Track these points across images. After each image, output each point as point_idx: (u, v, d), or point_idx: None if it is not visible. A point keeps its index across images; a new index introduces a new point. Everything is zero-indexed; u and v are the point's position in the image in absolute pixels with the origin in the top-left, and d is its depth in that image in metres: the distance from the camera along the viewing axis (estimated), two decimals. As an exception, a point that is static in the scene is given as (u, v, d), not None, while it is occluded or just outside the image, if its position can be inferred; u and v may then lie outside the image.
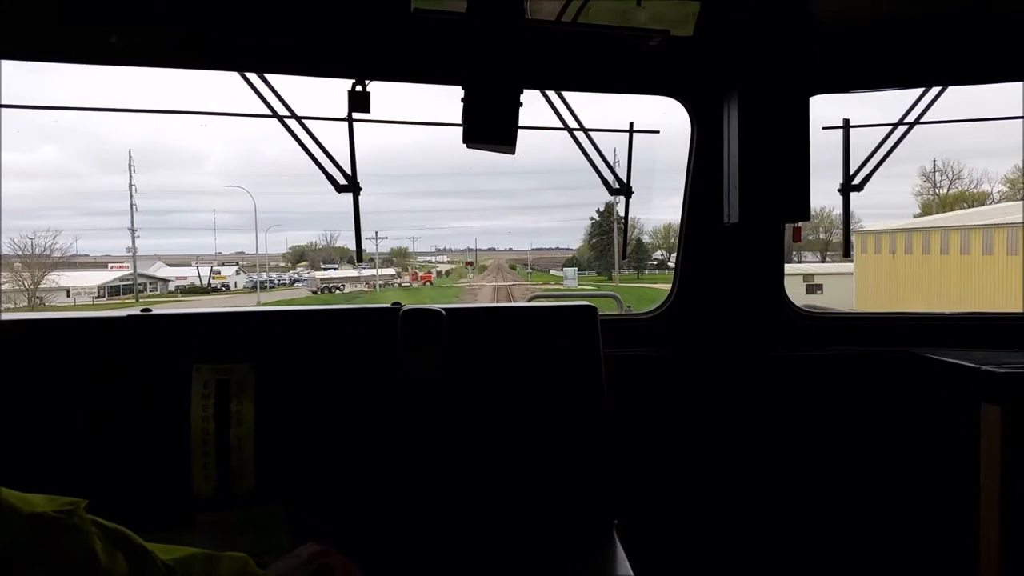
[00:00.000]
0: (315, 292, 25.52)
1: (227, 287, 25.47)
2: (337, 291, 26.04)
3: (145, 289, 24.71)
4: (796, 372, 3.12)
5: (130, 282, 24.10)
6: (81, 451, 2.20)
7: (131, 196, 23.41)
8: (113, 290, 23.50)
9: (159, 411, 2.22)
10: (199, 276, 25.47)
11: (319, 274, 28.69)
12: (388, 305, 2.49)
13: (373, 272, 27.45)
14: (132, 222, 23.35)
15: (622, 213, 3.27)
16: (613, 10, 2.52)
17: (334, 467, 2.33)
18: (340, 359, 2.37)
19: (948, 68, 2.92)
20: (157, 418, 2.22)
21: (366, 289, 26.46)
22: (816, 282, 25.36)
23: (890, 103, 3.11)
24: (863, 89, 3.01)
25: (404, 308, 2.45)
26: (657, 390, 3.07)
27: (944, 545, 2.86)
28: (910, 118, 2.96)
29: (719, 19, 2.63)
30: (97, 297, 22.69)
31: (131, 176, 23.32)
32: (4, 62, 2.59)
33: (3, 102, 2.71)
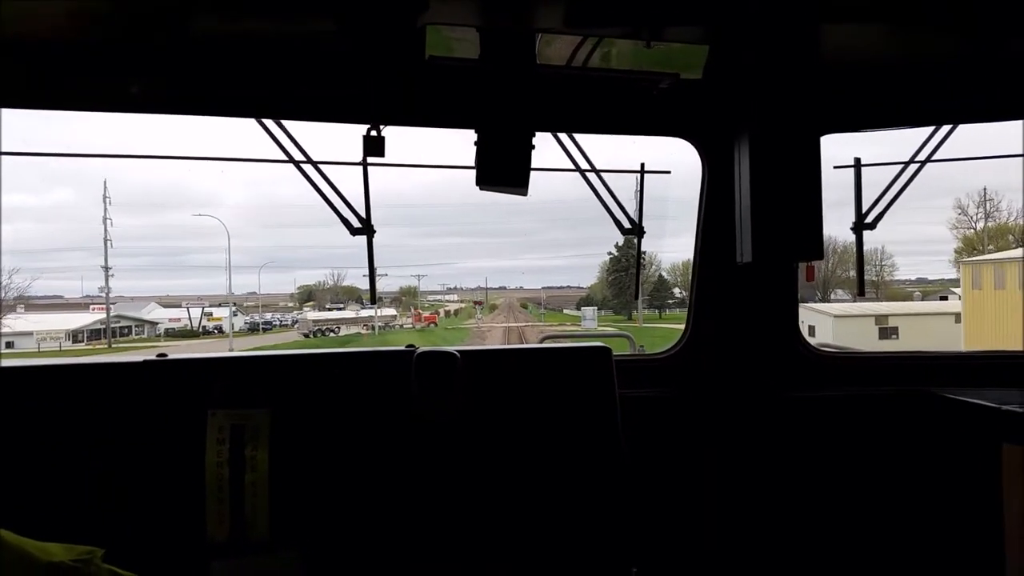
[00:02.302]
0: (306, 335, 25.52)
1: (220, 329, 25.66)
2: (332, 334, 26.02)
3: (131, 332, 24.85)
4: (813, 412, 3.32)
5: (115, 324, 24.27)
6: (97, 498, 2.43)
7: (105, 231, 23.03)
8: (94, 334, 23.57)
9: (174, 457, 2.46)
10: (189, 318, 25.61)
11: (311, 315, 28.76)
12: (402, 347, 2.73)
13: (371, 312, 27.52)
14: (105, 260, 22.93)
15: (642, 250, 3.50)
16: (622, 54, 2.78)
17: (349, 512, 2.54)
18: (355, 402, 2.61)
19: (958, 107, 3.18)
20: (172, 464, 2.45)
21: (363, 332, 26.46)
22: (890, 324, 23.38)
23: (901, 142, 3.37)
24: (873, 128, 3.27)
25: (419, 350, 2.69)
26: (673, 432, 3.27)
27: None
28: (921, 156, 3.21)
29: (728, 61, 2.90)
30: (75, 341, 22.65)
31: (105, 209, 23.00)
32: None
33: (26, 149, 3.02)
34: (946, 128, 3.18)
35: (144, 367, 2.57)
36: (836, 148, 3.17)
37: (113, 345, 22.70)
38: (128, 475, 2.45)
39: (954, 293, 26.93)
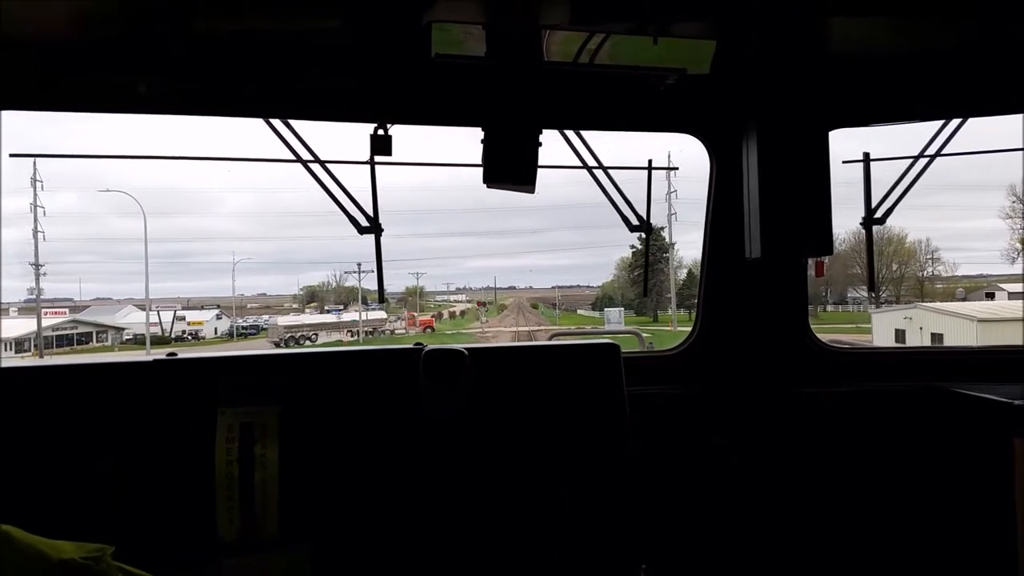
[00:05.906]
0: (277, 344, 24.58)
1: (196, 335, 25.34)
2: (308, 342, 25.21)
3: (92, 339, 24.84)
4: (823, 408, 3.70)
5: (71, 331, 24.23)
6: (107, 496, 2.76)
7: (35, 221, 20.84)
8: (55, 340, 23.41)
9: (184, 455, 2.78)
10: (160, 322, 25.47)
11: (282, 320, 28.44)
12: (410, 346, 3.11)
13: (355, 316, 27.02)
14: (36, 256, 21.51)
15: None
16: (629, 50, 3.06)
17: (358, 510, 2.89)
18: (363, 400, 2.96)
19: (967, 100, 3.55)
20: (182, 462, 2.78)
21: (345, 339, 25.77)
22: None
23: (908, 138, 3.74)
24: (882, 123, 3.65)
25: (426, 349, 3.06)
26: (682, 428, 3.64)
27: None
28: (931, 150, 3.58)
29: (736, 56, 3.22)
30: (19, 351, 22.22)
31: (35, 196, 21.42)
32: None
33: (30, 152, 3.42)
34: (956, 122, 3.54)
35: (154, 366, 2.87)
36: (846, 144, 3.56)
37: (46, 356, 21.88)
38: (138, 473, 2.74)
39: (1002, 289, 26.75)
